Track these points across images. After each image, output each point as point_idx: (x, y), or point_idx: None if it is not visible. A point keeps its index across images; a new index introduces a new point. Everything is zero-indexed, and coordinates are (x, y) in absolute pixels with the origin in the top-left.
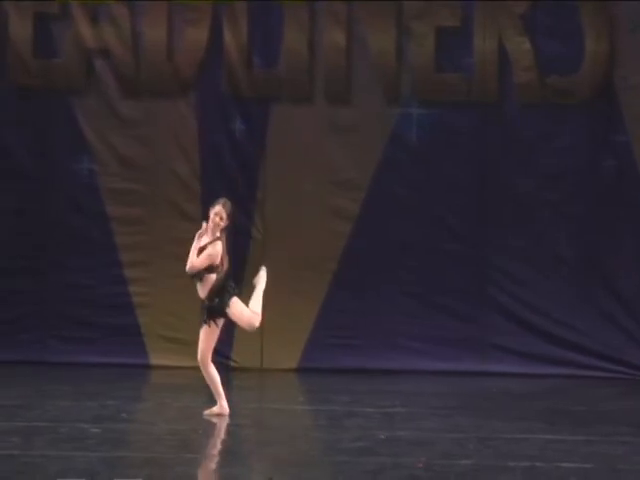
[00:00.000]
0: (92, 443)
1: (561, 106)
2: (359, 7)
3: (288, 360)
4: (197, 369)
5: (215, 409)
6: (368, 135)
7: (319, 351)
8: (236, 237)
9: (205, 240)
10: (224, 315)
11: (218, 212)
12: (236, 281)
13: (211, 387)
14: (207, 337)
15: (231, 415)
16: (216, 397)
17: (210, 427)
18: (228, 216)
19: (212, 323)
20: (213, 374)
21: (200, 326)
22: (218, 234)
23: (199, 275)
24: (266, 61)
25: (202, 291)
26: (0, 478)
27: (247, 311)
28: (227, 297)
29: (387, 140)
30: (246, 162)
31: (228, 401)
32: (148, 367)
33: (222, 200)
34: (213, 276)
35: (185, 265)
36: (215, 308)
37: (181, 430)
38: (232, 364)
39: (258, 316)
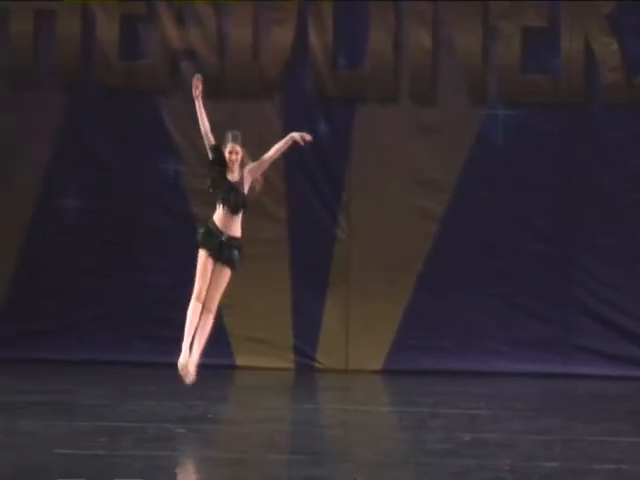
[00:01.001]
0: (178, 443)
1: None
2: (445, 7)
3: (373, 362)
4: (282, 370)
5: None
6: (453, 136)
7: (404, 353)
8: (321, 238)
9: (233, 176)
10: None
11: (231, 150)
12: (321, 283)
13: (203, 337)
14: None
15: (316, 416)
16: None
17: (296, 428)
18: (242, 146)
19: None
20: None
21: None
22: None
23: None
24: (351, 61)
25: (235, 227)
26: (86, 478)
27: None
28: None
29: (473, 141)
30: (331, 163)
31: (313, 402)
32: (233, 368)
33: (230, 135)
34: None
35: (270, 266)
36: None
37: (267, 430)
38: (317, 365)
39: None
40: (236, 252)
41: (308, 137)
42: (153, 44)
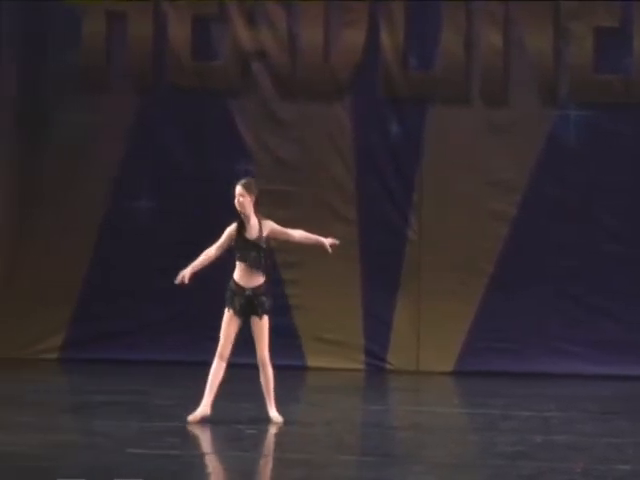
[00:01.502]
0: (248, 444)
1: None
2: (516, 7)
3: (444, 363)
4: (353, 371)
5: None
6: (525, 136)
7: (475, 354)
8: (391, 239)
9: (252, 232)
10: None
11: (236, 193)
12: (392, 284)
13: (269, 388)
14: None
15: (387, 417)
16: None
17: (366, 429)
18: (250, 192)
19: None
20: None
21: (240, 316)
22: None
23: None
24: (422, 62)
25: (256, 279)
26: (157, 478)
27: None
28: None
29: (544, 141)
30: (402, 164)
31: (383, 403)
32: (304, 369)
33: (240, 182)
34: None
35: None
36: (267, 304)
37: (337, 432)
38: (387, 366)
39: None
40: (264, 299)
41: (335, 242)
42: (225, 45)
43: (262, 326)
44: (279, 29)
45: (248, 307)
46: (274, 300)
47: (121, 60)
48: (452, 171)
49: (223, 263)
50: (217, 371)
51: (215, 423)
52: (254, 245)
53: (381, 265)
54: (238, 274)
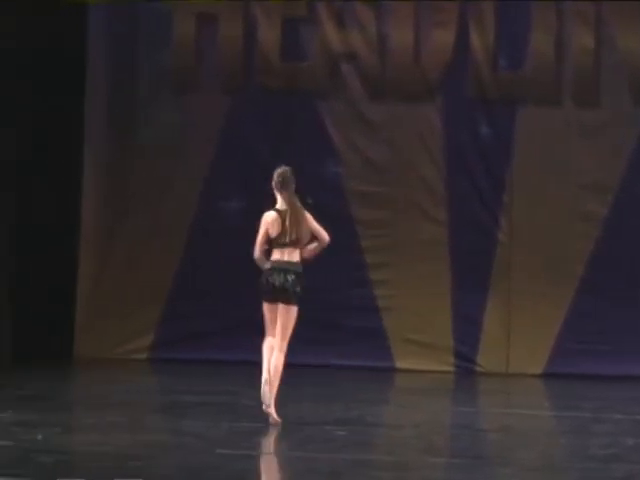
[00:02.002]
0: (337, 445)
1: None
2: (607, 7)
3: (534, 365)
4: (442, 373)
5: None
6: (616, 137)
7: (565, 356)
8: (481, 240)
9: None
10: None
11: (278, 173)
12: (482, 285)
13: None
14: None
15: (476, 419)
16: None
17: (455, 431)
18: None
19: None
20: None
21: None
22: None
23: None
24: (512, 62)
25: (294, 256)
26: (246, 478)
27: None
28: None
29: (635, 141)
30: (492, 165)
31: (473, 405)
32: (393, 370)
33: (280, 168)
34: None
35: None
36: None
37: (426, 433)
38: (477, 369)
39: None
40: (298, 288)
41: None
42: (314, 46)
43: (288, 314)
44: (368, 30)
45: (280, 294)
46: (361, 301)
47: (211, 61)
48: (542, 172)
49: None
50: (268, 348)
51: (304, 424)
52: (290, 230)
53: (471, 266)
54: (274, 256)
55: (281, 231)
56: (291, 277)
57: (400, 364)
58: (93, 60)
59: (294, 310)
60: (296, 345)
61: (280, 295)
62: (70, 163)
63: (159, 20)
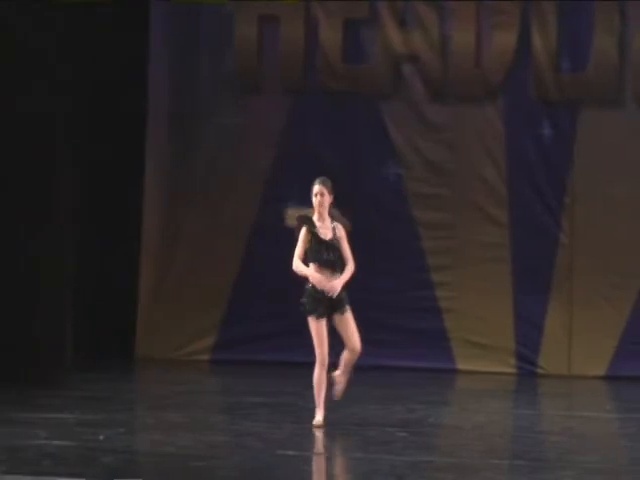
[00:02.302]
0: (399, 447)
1: None
2: None
3: (596, 367)
4: (504, 374)
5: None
6: None
7: (628, 358)
8: (543, 243)
9: (326, 232)
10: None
11: (317, 192)
12: (543, 287)
13: (321, 392)
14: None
15: (538, 422)
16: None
17: (517, 433)
18: (330, 191)
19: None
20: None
21: (318, 318)
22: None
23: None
24: (575, 64)
25: (333, 278)
26: (304, 479)
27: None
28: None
29: None
30: (554, 167)
31: (534, 408)
32: (454, 372)
33: (318, 180)
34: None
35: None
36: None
37: (487, 435)
38: (539, 370)
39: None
40: (343, 295)
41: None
42: (375, 47)
43: (348, 319)
44: (430, 31)
45: (329, 308)
46: (423, 302)
47: (273, 62)
48: (605, 174)
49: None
50: (320, 380)
51: (365, 426)
52: (328, 246)
53: (532, 268)
54: (322, 278)
55: None
56: None
57: (461, 365)
58: (155, 62)
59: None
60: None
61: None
62: (132, 165)
63: (221, 21)
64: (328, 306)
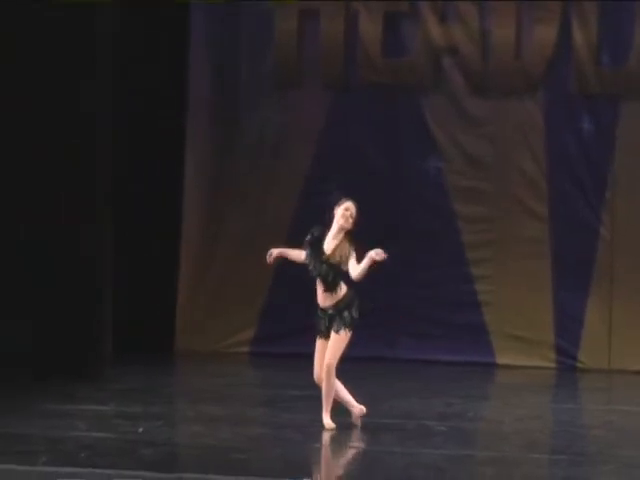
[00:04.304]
0: (438, 441)
1: None
2: None
3: (636, 361)
4: (544, 369)
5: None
6: None
7: None
8: (583, 237)
9: (337, 258)
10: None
11: (348, 207)
12: (583, 281)
13: (328, 396)
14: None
15: (578, 416)
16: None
17: (556, 427)
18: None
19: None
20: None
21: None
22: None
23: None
24: (615, 58)
25: (335, 295)
26: (346, 472)
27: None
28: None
29: None
30: (594, 161)
31: (574, 402)
32: (494, 366)
33: (351, 201)
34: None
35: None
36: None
37: (527, 429)
38: (578, 365)
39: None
40: (346, 313)
41: (382, 255)
42: (415, 41)
43: (336, 338)
44: (470, 25)
45: (330, 328)
46: (462, 296)
47: (313, 57)
48: None
49: (408, 266)
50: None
51: (404, 419)
52: (333, 267)
53: (573, 262)
54: (319, 295)
55: None
56: None
57: (501, 360)
58: (195, 59)
59: None
60: (402, 340)
61: None
62: (172, 163)
63: (261, 18)
64: (328, 327)
